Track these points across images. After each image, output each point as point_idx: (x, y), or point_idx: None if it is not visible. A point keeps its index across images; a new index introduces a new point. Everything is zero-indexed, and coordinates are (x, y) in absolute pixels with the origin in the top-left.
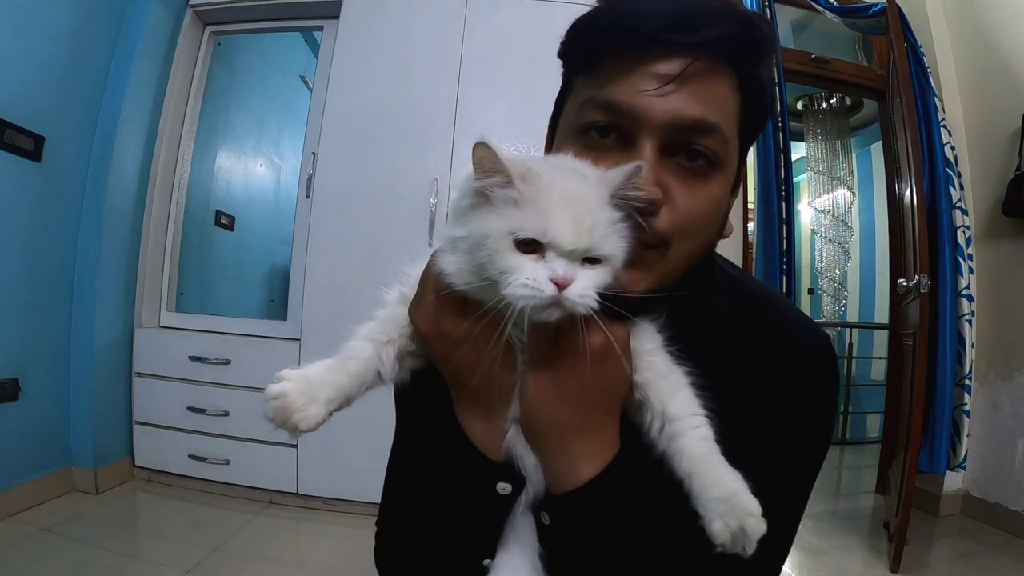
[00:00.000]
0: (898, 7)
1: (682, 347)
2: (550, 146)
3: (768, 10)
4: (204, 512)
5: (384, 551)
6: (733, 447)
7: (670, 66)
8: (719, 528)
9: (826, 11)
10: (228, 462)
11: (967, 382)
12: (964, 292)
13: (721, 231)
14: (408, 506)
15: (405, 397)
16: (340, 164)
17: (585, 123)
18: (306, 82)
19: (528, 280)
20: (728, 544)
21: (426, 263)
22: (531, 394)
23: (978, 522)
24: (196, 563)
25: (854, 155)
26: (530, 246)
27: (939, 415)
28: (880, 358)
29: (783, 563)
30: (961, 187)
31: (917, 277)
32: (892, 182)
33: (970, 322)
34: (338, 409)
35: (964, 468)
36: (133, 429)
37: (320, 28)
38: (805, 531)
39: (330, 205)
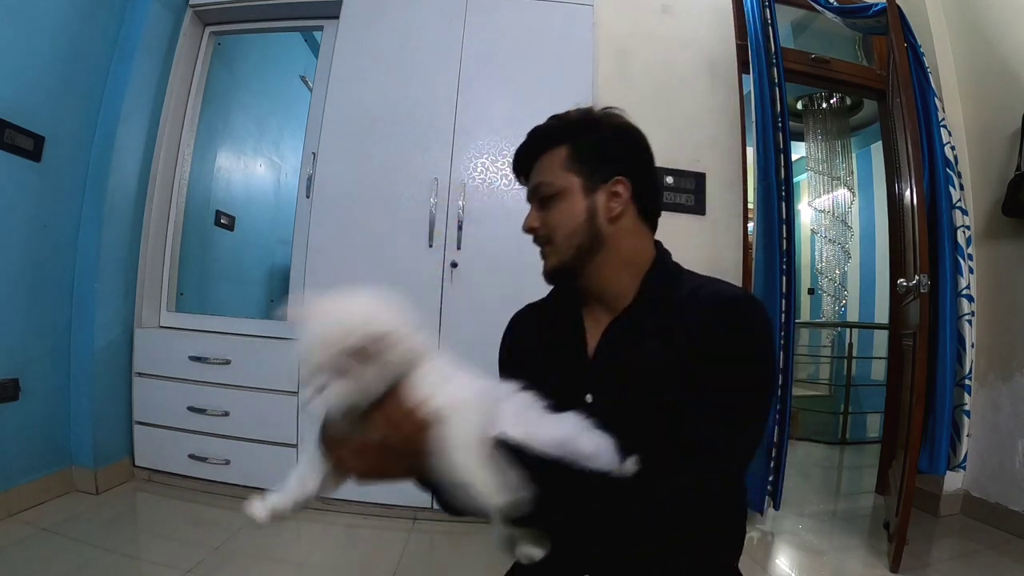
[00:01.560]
0: (898, 7)
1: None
2: None
3: (768, 10)
4: (204, 512)
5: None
6: (679, 392)
7: (528, 166)
8: None
9: (826, 11)
10: (228, 462)
11: (967, 382)
12: (964, 292)
13: (596, 218)
14: None
15: None
16: (340, 164)
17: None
18: (306, 82)
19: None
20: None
21: None
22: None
23: (978, 522)
24: (196, 563)
25: (854, 155)
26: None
27: (939, 415)
28: (880, 358)
29: (736, 467)
30: (961, 187)
31: (917, 277)
32: (892, 182)
33: (970, 322)
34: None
35: (964, 468)
36: (133, 429)
37: (320, 28)
38: (805, 531)
39: (330, 205)
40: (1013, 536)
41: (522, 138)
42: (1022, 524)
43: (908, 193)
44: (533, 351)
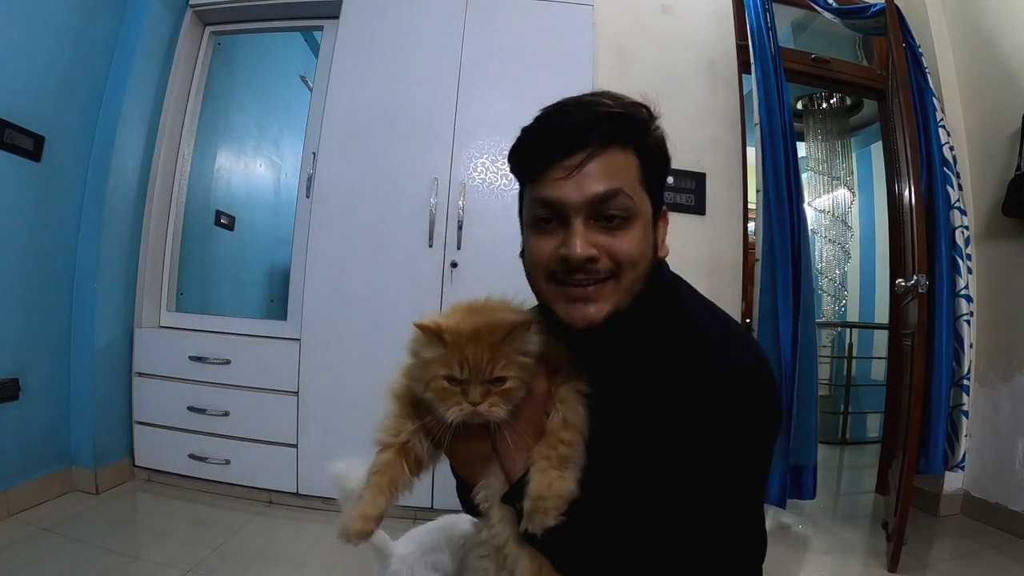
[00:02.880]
0: (897, 8)
1: (619, 370)
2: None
3: (767, 11)
4: (204, 512)
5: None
6: (655, 456)
7: (572, 162)
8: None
9: (825, 12)
10: (228, 462)
11: (965, 382)
12: (963, 292)
13: (655, 255)
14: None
15: None
16: (340, 164)
17: (534, 217)
18: (306, 82)
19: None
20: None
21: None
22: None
23: (978, 522)
24: (196, 563)
25: (854, 155)
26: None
27: (935, 415)
28: (880, 358)
29: (745, 554)
30: (960, 187)
31: (915, 277)
32: (892, 182)
33: (968, 322)
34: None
35: (963, 468)
36: (133, 429)
37: (320, 28)
38: (805, 531)
39: (330, 205)
40: (1013, 536)
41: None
42: (1022, 524)
43: (907, 193)
44: None
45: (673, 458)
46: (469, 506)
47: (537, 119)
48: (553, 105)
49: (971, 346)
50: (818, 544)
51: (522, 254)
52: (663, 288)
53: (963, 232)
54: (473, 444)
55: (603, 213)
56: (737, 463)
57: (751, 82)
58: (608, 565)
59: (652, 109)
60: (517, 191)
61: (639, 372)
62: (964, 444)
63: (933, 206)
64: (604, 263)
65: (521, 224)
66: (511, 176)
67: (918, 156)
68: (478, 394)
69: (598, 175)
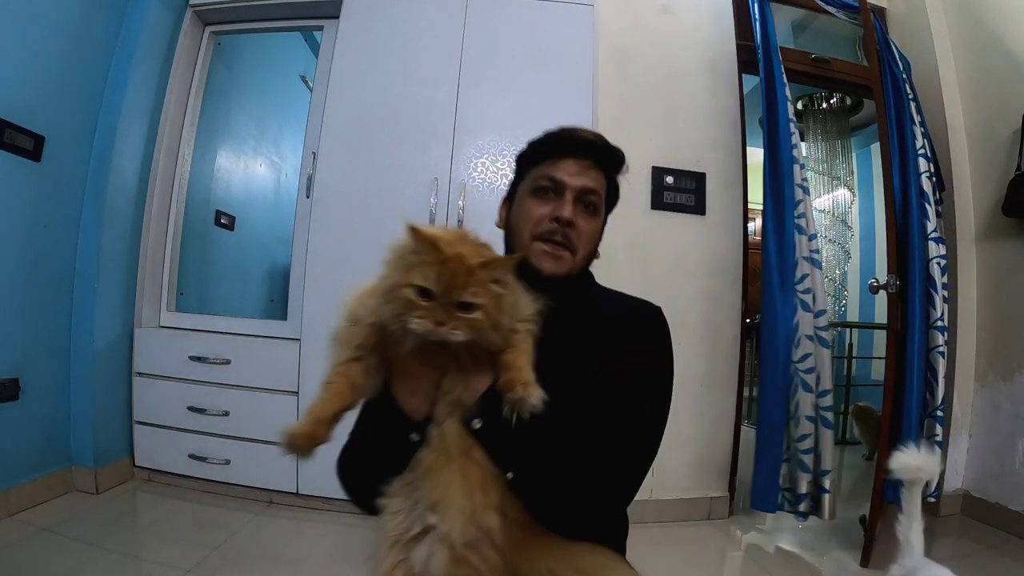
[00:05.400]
0: (876, 20)
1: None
2: (508, 211)
3: (762, 10)
4: (204, 512)
5: (341, 465)
6: (598, 381)
7: (582, 162)
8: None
9: (828, 6)
10: (228, 462)
11: (939, 413)
12: (937, 324)
13: (595, 251)
14: (361, 441)
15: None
16: (340, 164)
17: (538, 186)
18: (306, 82)
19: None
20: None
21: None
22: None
23: (978, 522)
24: (196, 563)
25: (854, 155)
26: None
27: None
28: (880, 358)
29: (642, 459)
30: (939, 214)
31: (887, 277)
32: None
33: (943, 354)
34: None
35: (937, 497)
36: (133, 429)
37: (320, 28)
38: (805, 531)
39: (330, 205)
40: (1013, 536)
41: (522, 138)
42: (1022, 524)
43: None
44: None
45: (609, 373)
46: (368, 478)
47: (562, 129)
48: (569, 127)
49: (944, 377)
50: (817, 544)
51: (500, 223)
52: (591, 275)
53: (939, 263)
54: (424, 367)
55: (584, 200)
56: (653, 376)
57: (751, 82)
58: (543, 453)
59: (623, 153)
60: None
61: (584, 314)
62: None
63: (908, 239)
64: (574, 235)
65: (510, 198)
66: (511, 176)
67: (891, 172)
68: (443, 314)
69: (592, 178)
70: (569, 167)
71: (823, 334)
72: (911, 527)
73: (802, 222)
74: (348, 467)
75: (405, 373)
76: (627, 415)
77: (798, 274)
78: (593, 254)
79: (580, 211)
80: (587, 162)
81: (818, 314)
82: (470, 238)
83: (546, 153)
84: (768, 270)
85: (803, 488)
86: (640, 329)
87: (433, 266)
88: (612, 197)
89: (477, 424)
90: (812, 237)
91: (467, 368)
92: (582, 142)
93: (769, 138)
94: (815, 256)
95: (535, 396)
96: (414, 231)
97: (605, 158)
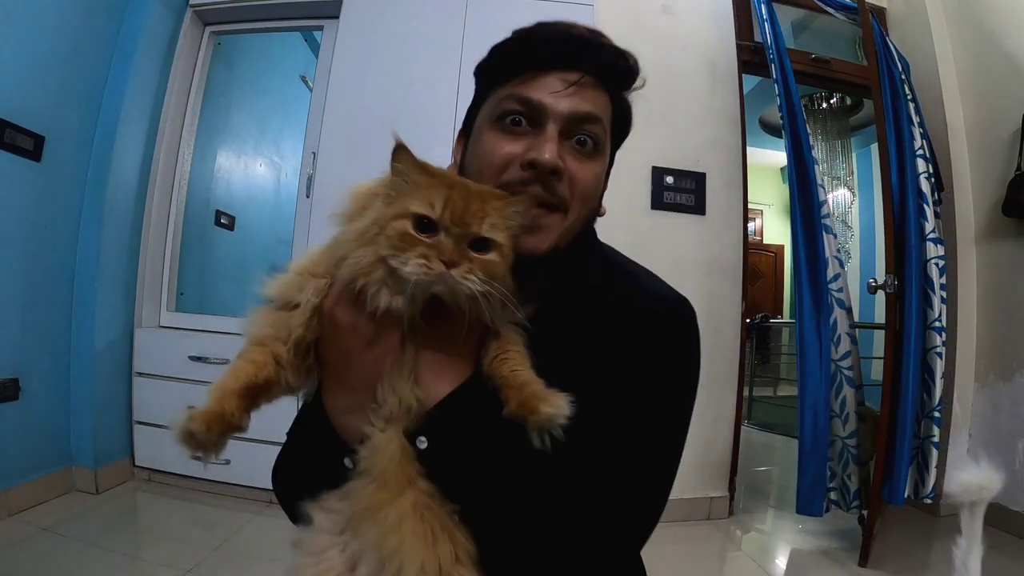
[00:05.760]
0: (876, 22)
1: (554, 301)
2: (463, 151)
3: (767, 9)
4: (204, 512)
5: (275, 476)
6: (586, 393)
7: (570, 76)
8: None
9: (828, 7)
10: (228, 462)
11: (936, 414)
12: (935, 325)
13: (598, 207)
14: (292, 452)
15: None
16: (340, 164)
17: (504, 111)
18: (306, 82)
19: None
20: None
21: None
22: (424, 359)
23: None
24: (196, 563)
25: (854, 155)
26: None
27: (899, 447)
28: (879, 358)
29: (640, 509)
30: (938, 215)
31: (885, 278)
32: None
33: (940, 355)
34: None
35: (932, 498)
36: (133, 429)
37: (320, 28)
38: (804, 531)
39: (330, 205)
40: (1013, 536)
41: None
42: (1022, 524)
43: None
44: None
45: (603, 390)
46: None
47: (538, 24)
48: (553, 21)
49: (942, 377)
50: (817, 544)
51: (453, 167)
52: (595, 236)
53: (937, 264)
54: (384, 339)
55: (577, 133)
56: (658, 395)
57: (751, 82)
58: (498, 501)
59: (635, 59)
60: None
61: (582, 302)
62: (934, 475)
63: (906, 239)
64: (562, 188)
65: (466, 130)
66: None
67: (889, 175)
68: (454, 251)
69: (587, 99)
70: (551, 83)
71: (854, 331)
72: (970, 553)
73: (827, 221)
74: (280, 471)
75: (342, 378)
76: (615, 452)
77: (830, 273)
78: (595, 211)
79: (570, 150)
80: (579, 74)
81: (849, 311)
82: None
83: (517, 62)
84: (799, 271)
85: (855, 484)
86: (649, 327)
87: (438, 189)
88: (620, 126)
89: (423, 443)
90: (835, 236)
91: (426, 359)
92: (571, 43)
93: (792, 138)
94: (840, 256)
95: (561, 407)
96: (404, 149)
97: (608, 67)
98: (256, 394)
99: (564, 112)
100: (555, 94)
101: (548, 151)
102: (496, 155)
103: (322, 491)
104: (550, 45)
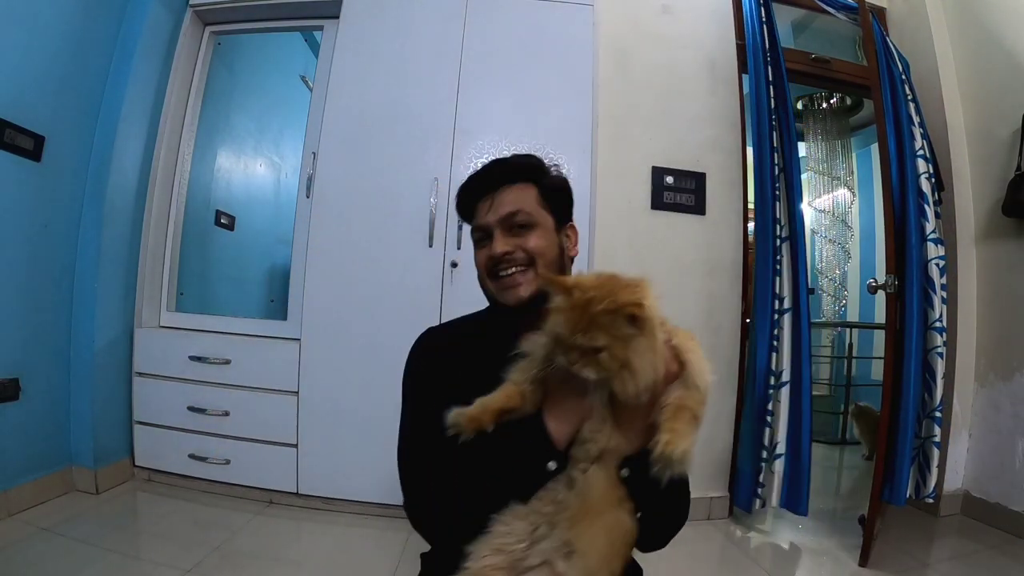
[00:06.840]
0: (876, 23)
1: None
2: None
3: (765, 9)
4: (204, 512)
5: (420, 505)
6: None
7: (490, 196)
8: None
9: (828, 7)
10: (228, 462)
11: (937, 414)
12: (935, 325)
13: (564, 254)
14: (470, 474)
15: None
16: (340, 164)
17: (476, 239)
18: (306, 82)
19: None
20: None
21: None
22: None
23: (978, 522)
24: (196, 563)
25: (854, 155)
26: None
27: (900, 447)
28: (879, 358)
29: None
30: (938, 215)
31: (886, 278)
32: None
33: (941, 355)
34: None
35: (933, 498)
36: (133, 429)
37: (320, 28)
38: (804, 531)
39: (330, 205)
40: (1013, 536)
41: (522, 138)
42: (1022, 524)
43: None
44: (472, 377)
45: None
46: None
47: (468, 178)
48: (477, 169)
49: (943, 377)
50: (817, 544)
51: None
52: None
53: (937, 264)
54: (574, 397)
55: (513, 224)
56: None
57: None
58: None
59: (547, 162)
60: None
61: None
62: (935, 475)
63: (906, 239)
64: (519, 255)
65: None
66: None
67: (889, 174)
68: (574, 354)
69: (507, 202)
70: (483, 208)
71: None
72: None
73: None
74: (454, 497)
75: (558, 400)
76: None
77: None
78: (561, 259)
79: (515, 234)
80: (495, 191)
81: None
82: (622, 280)
83: (466, 210)
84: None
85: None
86: None
87: (563, 312)
88: (556, 197)
89: (625, 473)
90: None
91: (623, 423)
92: (482, 179)
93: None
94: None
95: (681, 449)
96: (548, 281)
97: (515, 171)
98: (505, 413)
99: (495, 221)
100: (487, 214)
101: (498, 247)
102: (480, 262)
103: (512, 495)
104: (473, 187)
